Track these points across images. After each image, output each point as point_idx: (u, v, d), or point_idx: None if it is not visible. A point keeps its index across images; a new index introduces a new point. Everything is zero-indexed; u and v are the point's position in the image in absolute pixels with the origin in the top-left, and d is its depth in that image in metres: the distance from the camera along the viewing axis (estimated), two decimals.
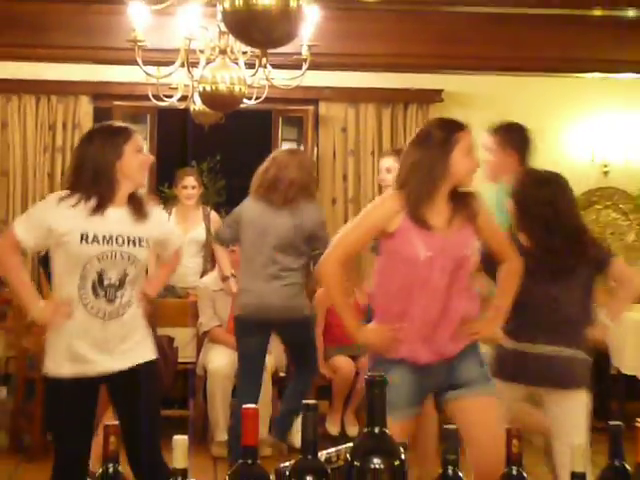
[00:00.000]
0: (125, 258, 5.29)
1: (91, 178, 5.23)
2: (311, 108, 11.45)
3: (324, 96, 11.24)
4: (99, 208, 5.24)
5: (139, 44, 6.16)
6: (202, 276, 9.57)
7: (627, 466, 2.59)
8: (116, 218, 5.30)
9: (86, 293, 5.25)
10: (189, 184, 10.06)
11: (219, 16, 6.28)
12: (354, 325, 5.22)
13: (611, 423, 2.62)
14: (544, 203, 5.70)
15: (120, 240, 5.28)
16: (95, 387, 5.45)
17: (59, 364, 5.33)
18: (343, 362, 9.18)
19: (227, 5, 3.02)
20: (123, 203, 5.34)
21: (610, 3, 7.57)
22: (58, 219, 5.22)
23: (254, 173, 7.55)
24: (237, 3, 3.01)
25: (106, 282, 5.27)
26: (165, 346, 8.14)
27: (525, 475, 2.60)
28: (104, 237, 5.23)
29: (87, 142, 5.38)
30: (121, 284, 5.30)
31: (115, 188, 5.28)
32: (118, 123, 5.80)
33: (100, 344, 5.31)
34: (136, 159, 5.33)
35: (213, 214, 10.22)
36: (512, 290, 5.38)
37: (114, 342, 5.33)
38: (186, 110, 8.19)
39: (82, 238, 5.18)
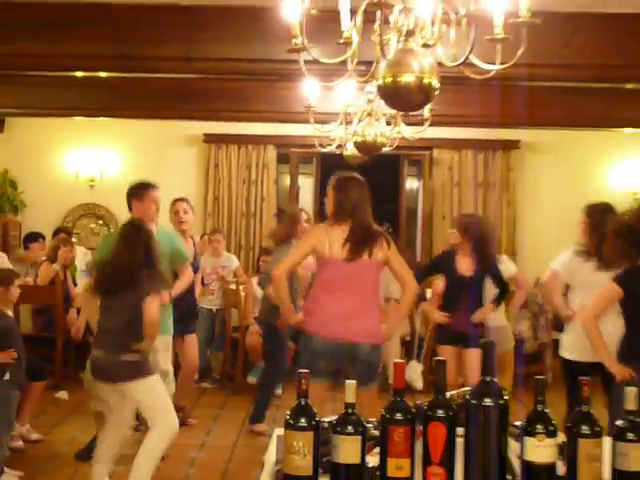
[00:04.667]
0: None
1: None
2: (428, 153, 11.41)
3: (437, 144, 11.20)
4: None
5: (311, 109, 6.20)
6: None
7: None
8: None
9: None
10: None
11: (367, 89, 6.36)
12: None
13: None
14: None
15: None
16: None
17: None
18: None
19: (380, 82, 3.05)
20: None
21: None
22: None
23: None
24: (387, 80, 3.04)
25: None
26: None
27: None
28: None
29: None
30: None
31: None
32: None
33: None
34: None
35: None
36: None
37: None
38: (341, 154, 8.19)
39: None
